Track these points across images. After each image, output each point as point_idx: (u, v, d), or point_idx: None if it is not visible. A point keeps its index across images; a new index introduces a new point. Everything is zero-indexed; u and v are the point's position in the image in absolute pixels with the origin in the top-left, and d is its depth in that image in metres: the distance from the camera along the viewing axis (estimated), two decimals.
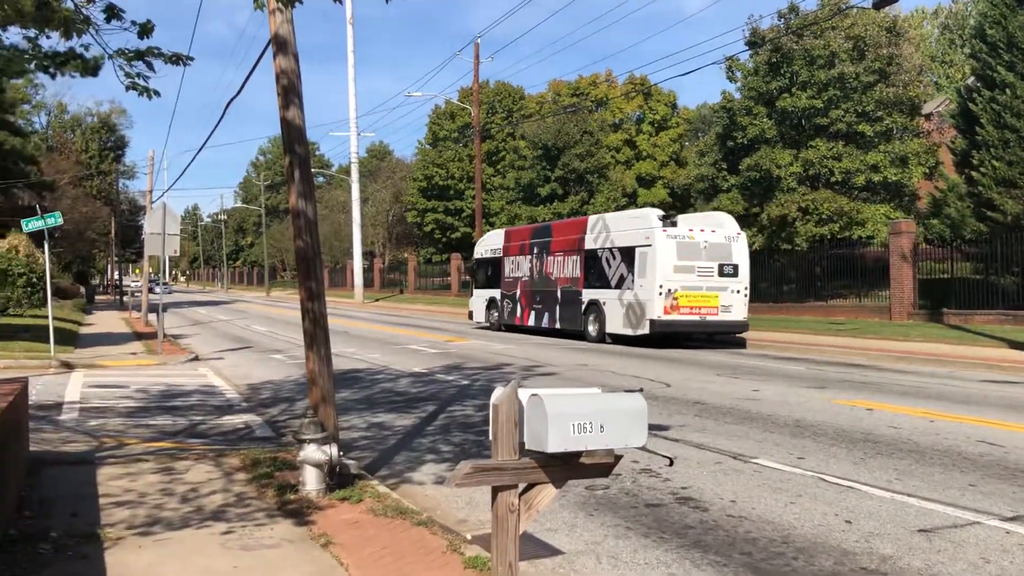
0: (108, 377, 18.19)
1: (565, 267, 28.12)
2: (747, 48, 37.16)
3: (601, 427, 4.13)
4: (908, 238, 30.05)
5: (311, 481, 7.94)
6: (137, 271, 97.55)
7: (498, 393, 4.21)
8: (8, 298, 34.03)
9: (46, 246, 22.48)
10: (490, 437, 4.24)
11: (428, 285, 67.44)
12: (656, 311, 23.56)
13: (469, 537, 6.86)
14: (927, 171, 35.20)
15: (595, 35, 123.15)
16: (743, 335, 25.09)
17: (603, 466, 4.30)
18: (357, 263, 62.21)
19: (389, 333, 31.23)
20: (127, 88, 7.74)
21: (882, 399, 13.94)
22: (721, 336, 25.50)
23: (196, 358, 22.65)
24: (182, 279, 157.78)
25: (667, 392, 14.88)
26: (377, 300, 60.95)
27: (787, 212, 34.08)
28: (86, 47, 7.21)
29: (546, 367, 19.07)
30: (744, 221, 36.41)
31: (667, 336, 24.42)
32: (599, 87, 69.61)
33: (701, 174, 39.28)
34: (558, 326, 28.43)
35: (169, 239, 22.98)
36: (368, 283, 69.62)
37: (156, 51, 7.56)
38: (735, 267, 24.19)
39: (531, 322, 30.04)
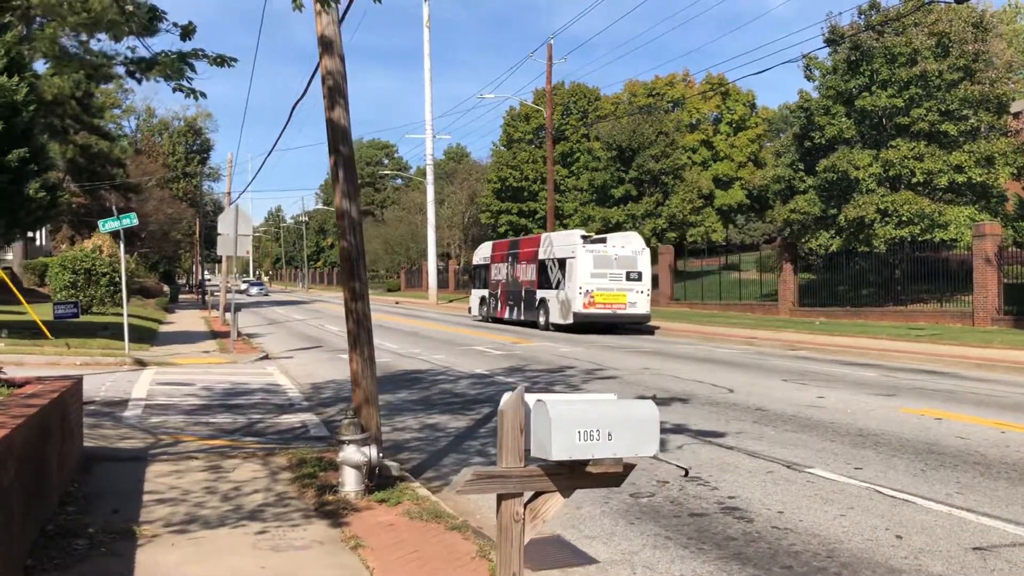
0: (177, 375, 18.59)
1: (527, 272, 35.09)
2: (826, 46, 36.24)
3: (609, 435, 3.96)
4: (993, 241, 28.90)
5: (350, 482, 7.92)
6: (220, 271, 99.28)
7: (506, 399, 4.08)
8: (92, 296, 35.25)
9: (121, 246, 23.09)
10: (496, 443, 4.11)
11: None
12: (577, 306, 30.52)
13: None
14: (1015, 171, 33.80)
15: (671, 33, 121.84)
16: (651, 324, 32.12)
17: (612, 476, 4.13)
18: (432, 264, 62.66)
19: (457, 334, 31.30)
20: (173, 90, 7.83)
21: (953, 408, 13.36)
22: (630, 325, 31.74)
23: (266, 357, 23.01)
24: (265, 279, 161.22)
25: (728, 398, 14.53)
26: (451, 301, 61.25)
27: (865, 214, 33.10)
28: (132, 49, 7.31)
29: (608, 370, 18.83)
30: (821, 223, 35.57)
31: (588, 325, 30.84)
32: (675, 87, 68.80)
33: (777, 175, 38.43)
34: (522, 318, 35.12)
35: (241, 239, 23.41)
36: (443, 284, 70.08)
37: (200, 52, 7.63)
38: (639, 273, 31.01)
39: (507, 315, 36.67)
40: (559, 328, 31.91)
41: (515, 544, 4.06)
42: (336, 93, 8.70)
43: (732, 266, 52.10)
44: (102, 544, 6.42)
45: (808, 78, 37.93)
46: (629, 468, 4.18)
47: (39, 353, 20.14)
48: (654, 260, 48.49)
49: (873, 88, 34.07)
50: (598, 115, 66.36)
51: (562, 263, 31.94)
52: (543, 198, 63.57)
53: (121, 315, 32.85)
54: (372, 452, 7.96)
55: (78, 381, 8.84)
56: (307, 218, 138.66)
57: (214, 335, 30.32)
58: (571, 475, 4.09)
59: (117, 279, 35.00)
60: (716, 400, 14.14)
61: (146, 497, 7.84)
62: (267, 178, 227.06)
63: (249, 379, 18.09)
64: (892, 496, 8.11)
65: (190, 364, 20.96)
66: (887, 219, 33.02)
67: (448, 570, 6.05)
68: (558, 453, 3.90)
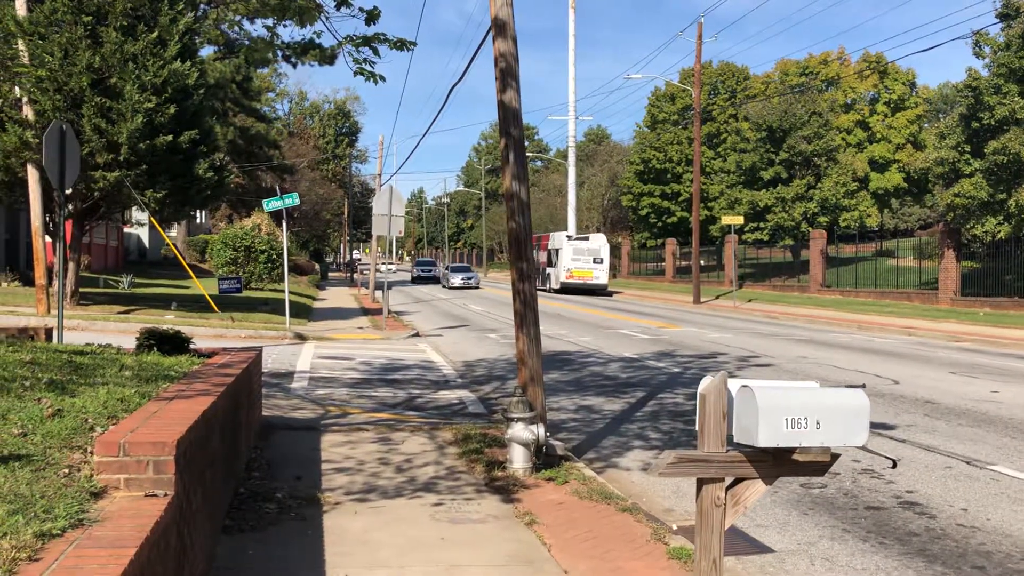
0: (336, 349, 19.29)
1: (542, 257, 52.17)
2: (998, 20, 34.18)
3: (817, 423, 3.89)
4: None
5: (518, 459, 8.05)
6: (366, 251, 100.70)
7: (706, 382, 4.07)
8: (251, 273, 36.97)
9: (284, 225, 24.06)
10: (697, 427, 4.10)
11: (641, 270, 67.08)
12: (563, 278, 48.40)
13: (675, 528, 6.73)
14: None
15: (827, 10, 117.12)
16: (609, 290, 50.44)
17: (818, 464, 4.05)
18: None
19: (600, 317, 31.28)
20: (355, 73, 8.09)
21: None
22: (595, 292, 48.51)
23: (417, 334, 23.61)
24: (407, 259, 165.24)
25: (895, 389, 14.00)
26: None
27: None
28: (318, 34, 7.58)
29: (762, 357, 18.44)
30: (988, 208, 33.72)
31: (569, 290, 48.00)
32: (830, 65, 66.36)
33: (940, 158, 36.54)
34: (540, 286, 48.07)
35: (394, 220, 23.99)
36: None
37: (382, 37, 7.85)
38: (601, 259, 48.77)
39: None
40: (555, 291, 48.78)
41: (715, 530, 4.05)
42: (508, 75, 8.80)
43: (887, 252, 50.01)
44: (290, 509, 6.76)
45: (977, 55, 35.86)
46: (835, 457, 4.10)
47: (206, 325, 21.26)
48: (804, 245, 47.28)
49: None
50: (747, 95, 64.72)
51: (557, 251, 49.66)
52: (687, 180, 62.63)
53: (277, 291, 34.34)
54: (540, 431, 8.07)
55: (259, 353, 9.28)
56: (448, 200, 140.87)
57: (365, 312, 31.28)
58: (775, 462, 4.04)
59: (275, 256, 36.64)
60: (881, 391, 13.64)
61: (324, 466, 8.19)
62: (410, 160, 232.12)
63: (404, 355, 18.60)
64: None
65: (346, 339, 21.72)
66: None
67: (625, 552, 6.08)
68: (765, 440, 3.85)
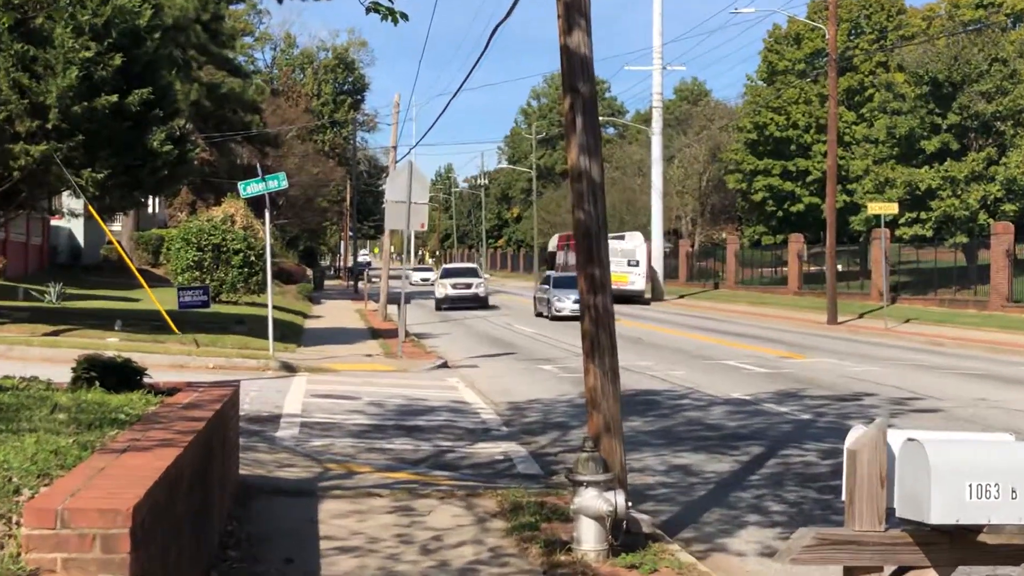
0: (336, 385, 19.50)
1: (569, 258, 56.21)
2: None
3: (1012, 492, 3.84)
4: None
5: (589, 538, 8.05)
6: (375, 250, 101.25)
7: (857, 434, 4.05)
8: (222, 280, 37.38)
9: (267, 216, 24.33)
10: (843, 497, 4.08)
11: (754, 277, 66.73)
12: None
13: None
14: None
15: None
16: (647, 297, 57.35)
17: (1014, 549, 4.00)
18: (657, 244, 62.60)
19: (697, 342, 31.22)
20: (367, 10, 8.16)
21: None
22: (630, 298, 53.25)
23: (444, 364, 23.77)
24: (430, 261, 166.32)
25: None
26: (682, 296, 61.12)
27: None
28: None
29: (926, 400, 18.30)
30: None
31: None
32: None
33: None
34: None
35: (415, 209, 24.16)
36: (670, 273, 69.84)
37: None
38: (637, 262, 55.00)
39: None
40: None
41: None
42: (575, 11, 8.84)
43: None
44: None
45: None
46: None
47: (163, 352, 21.63)
48: (983, 243, 46.71)
49: None
50: (902, 35, 64.22)
51: None
52: (818, 153, 62.24)
53: (257, 305, 34.72)
54: (619, 499, 8.06)
55: (235, 389, 9.42)
56: (487, 181, 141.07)
57: (374, 334, 31.59)
58: (953, 546, 4.00)
59: (253, 258, 37.06)
60: None
61: (324, 544, 8.29)
62: (435, 128, 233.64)
63: (426, 393, 18.76)
64: None
65: (349, 371, 21.98)
66: None
67: None
68: (939, 515, 3.82)
